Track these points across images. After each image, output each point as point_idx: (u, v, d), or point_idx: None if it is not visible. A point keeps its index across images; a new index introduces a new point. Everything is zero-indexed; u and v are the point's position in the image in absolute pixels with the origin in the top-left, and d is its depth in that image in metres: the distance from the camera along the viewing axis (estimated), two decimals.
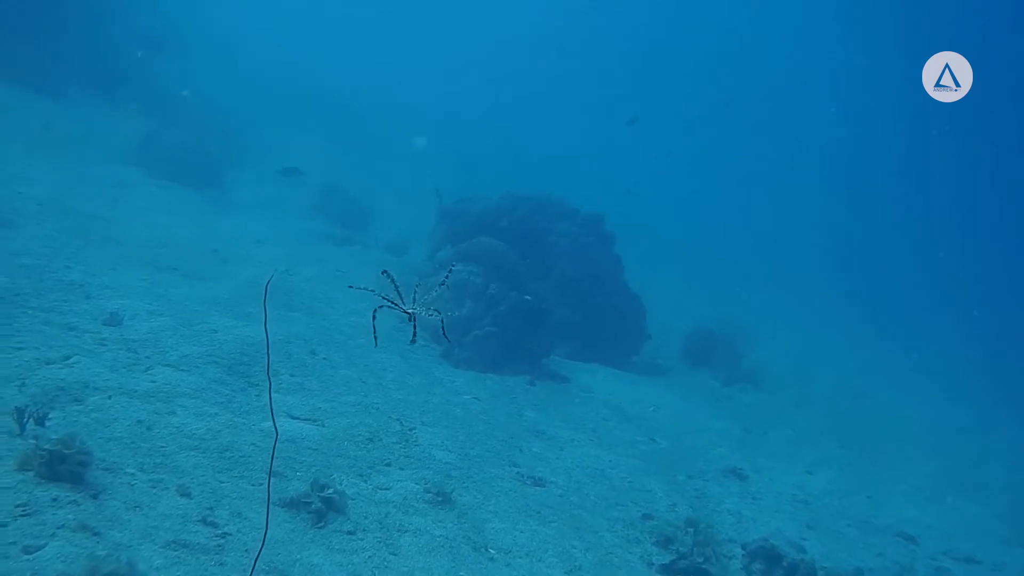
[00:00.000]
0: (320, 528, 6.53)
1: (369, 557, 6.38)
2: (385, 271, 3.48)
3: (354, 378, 10.12)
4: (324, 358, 10.41)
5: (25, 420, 6.23)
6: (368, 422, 8.88)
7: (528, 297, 13.34)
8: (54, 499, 5.45)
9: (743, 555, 9.06)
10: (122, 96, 22.14)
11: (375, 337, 2.98)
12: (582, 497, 9.32)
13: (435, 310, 3.37)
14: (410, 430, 9.16)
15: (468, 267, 13.80)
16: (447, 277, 3.64)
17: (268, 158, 25.08)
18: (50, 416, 6.58)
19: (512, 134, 43.22)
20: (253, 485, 6.79)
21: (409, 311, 3.37)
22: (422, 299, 3.35)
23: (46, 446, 5.71)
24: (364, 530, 6.75)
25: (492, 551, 7.36)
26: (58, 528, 5.16)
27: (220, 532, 5.89)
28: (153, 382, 8.00)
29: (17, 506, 5.24)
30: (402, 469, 8.16)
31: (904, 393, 21.29)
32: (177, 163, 19.48)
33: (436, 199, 17.53)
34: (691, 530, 8.89)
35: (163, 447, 6.82)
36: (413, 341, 3.43)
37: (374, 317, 3.45)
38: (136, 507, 5.79)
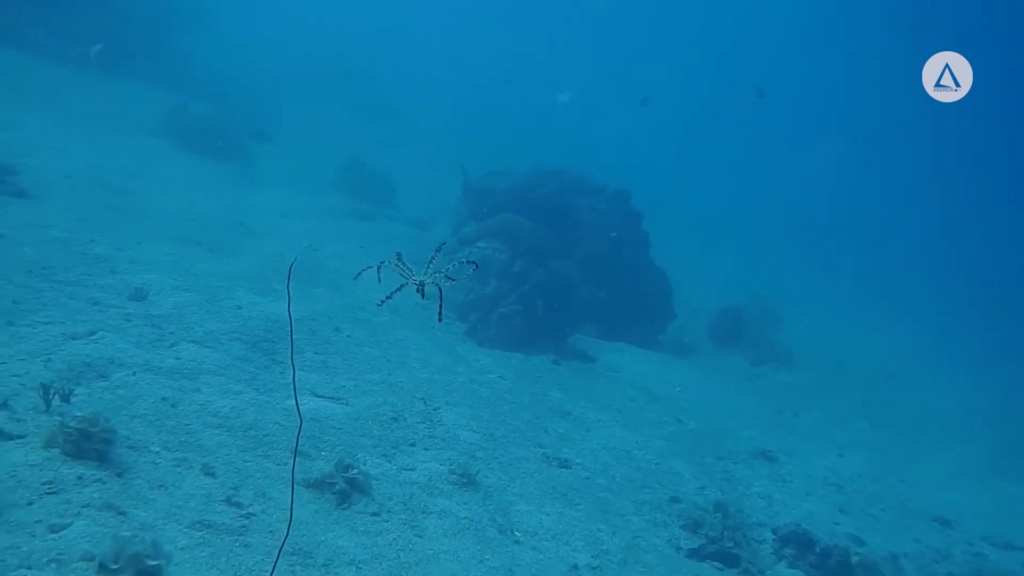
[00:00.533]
0: (345, 509, 6.46)
1: (394, 539, 6.30)
2: (398, 254, 3.40)
3: (378, 356, 10.04)
4: (348, 335, 10.34)
5: (51, 396, 6.20)
6: (392, 401, 8.80)
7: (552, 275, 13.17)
8: (79, 477, 5.42)
9: (774, 539, 8.91)
10: (150, 68, 22.12)
11: (379, 287, 2.76)
12: (608, 479, 9.20)
13: (447, 277, 3.27)
14: (434, 410, 9.07)
15: (492, 244, 13.63)
16: (466, 262, 3.47)
17: (293, 132, 25.04)
18: (75, 392, 6.55)
19: (537, 110, 42.71)
20: (277, 465, 6.73)
21: (419, 280, 3.29)
22: (436, 270, 3.24)
23: (71, 424, 5.68)
24: (389, 511, 6.68)
25: (518, 533, 7.27)
26: (83, 507, 5.13)
27: (244, 512, 5.84)
28: (178, 359, 7.96)
29: (43, 484, 5.21)
30: (427, 449, 8.07)
31: (936, 374, 20.87)
32: (203, 136, 19.45)
33: (461, 174, 17.31)
34: (720, 514, 8.74)
35: (188, 425, 6.78)
36: (422, 296, 3.31)
37: (378, 270, 3.36)
38: (161, 486, 5.75)
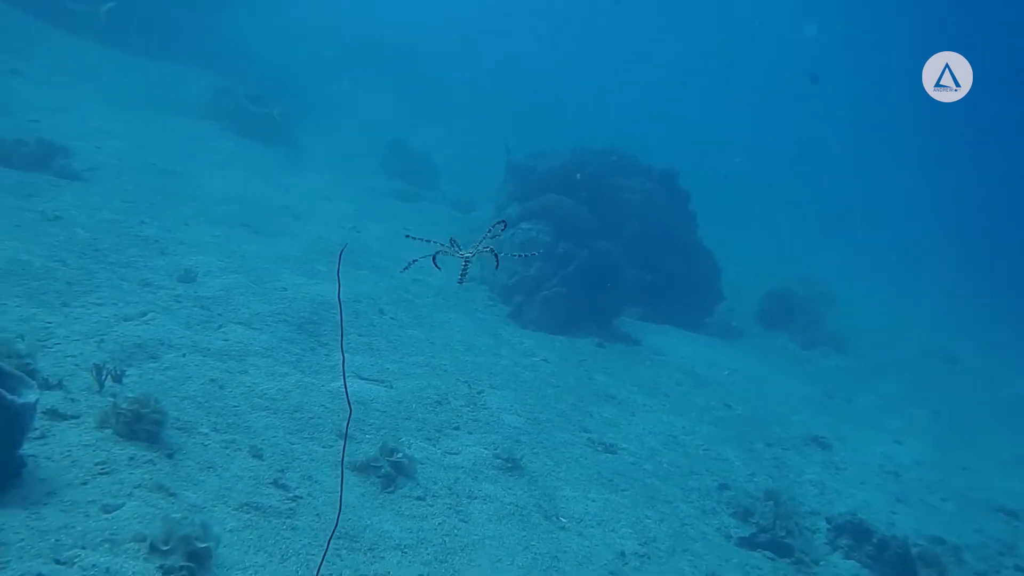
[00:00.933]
0: (390, 493, 6.45)
1: (439, 524, 6.27)
2: (452, 238, 3.30)
3: (422, 338, 10.02)
4: (392, 318, 10.33)
5: (103, 377, 6.29)
6: (436, 384, 8.77)
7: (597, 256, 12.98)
8: (131, 458, 5.48)
9: (828, 529, 8.69)
10: (195, 50, 22.35)
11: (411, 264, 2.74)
12: (655, 465, 9.06)
13: (490, 249, 3.22)
14: (478, 393, 9.01)
15: (536, 225, 13.47)
16: (519, 256, 3.36)
17: (337, 114, 25.14)
18: (127, 373, 6.64)
19: (583, 89, 42.20)
20: (323, 447, 6.74)
21: (466, 255, 3.24)
22: (480, 246, 3.20)
23: (123, 405, 5.75)
24: (434, 496, 6.65)
25: (563, 519, 7.19)
26: (135, 487, 5.18)
27: (291, 495, 5.86)
28: (225, 340, 8.03)
29: (96, 464, 5.28)
30: (471, 433, 8.03)
31: (998, 359, 20.13)
32: (248, 118, 19.61)
33: (504, 154, 17.15)
34: (772, 502, 8.55)
35: (235, 407, 6.83)
36: (461, 281, 3.30)
37: (434, 260, 3.26)
38: (210, 468, 5.80)
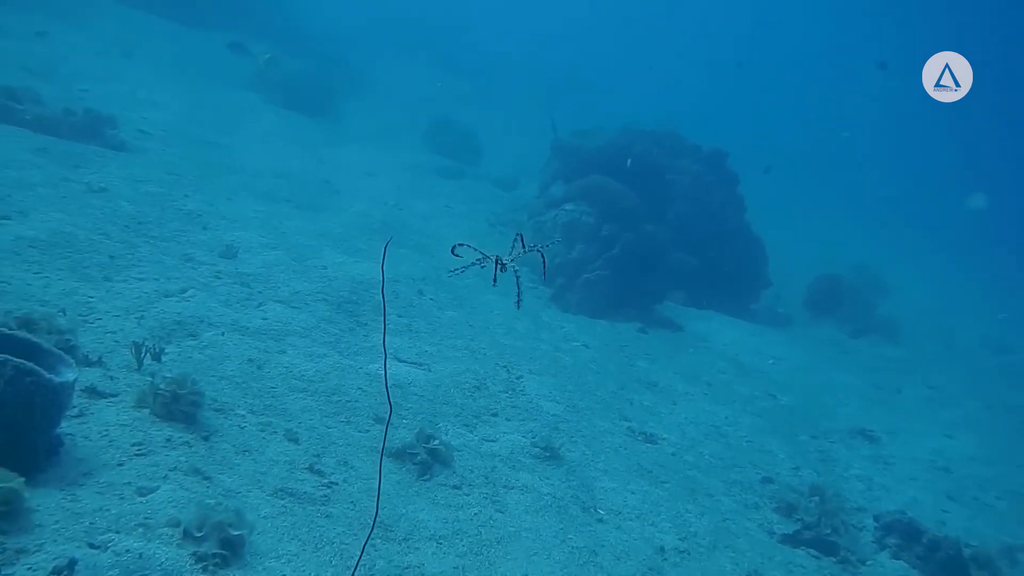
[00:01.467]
0: (426, 481, 6.34)
1: (475, 514, 6.16)
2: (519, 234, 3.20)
3: (461, 321, 9.88)
4: (431, 299, 10.21)
5: (143, 355, 6.27)
6: (475, 368, 8.64)
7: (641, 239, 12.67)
8: (168, 439, 5.45)
9: (876, 527, 8.39)
10: (241, 21, 22.34)
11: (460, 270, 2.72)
12: (696, 456, 8.83)
13: (538, 249, 3.16)
14: (517, 378, 8.86)
15: (580, 207, 13.20)
16: (548, 245, 3.32)
17: (381, 88, 25.01)
18: (166, 351, 6.62)
19: (632, 68, 41.31)
20: (360, 432, 6.66)
21: (504, 262, 3.19)
22: (518, 254, 3.14)
23: (161, 385, 5.72)
24: (470, 485, 6.53)
25: (601, 512, 7.03)
26: (171, 470, 5.15)
27: (327, 481, 5.78)
28: (264, 319, 7.99)
29: (133, 445, 5.25)
30: (508, 420, 7.88)
31: None
32: (293, 91, 19.61)
33: (551, 132, 16.83)
34: (817, 497, 8.27)
35: (272, 388, 6.77)
36: (495, 283, 3.21)
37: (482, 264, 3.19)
38: (245, 451, 5.75)
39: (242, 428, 6.00)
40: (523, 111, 27.27)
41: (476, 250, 3.13)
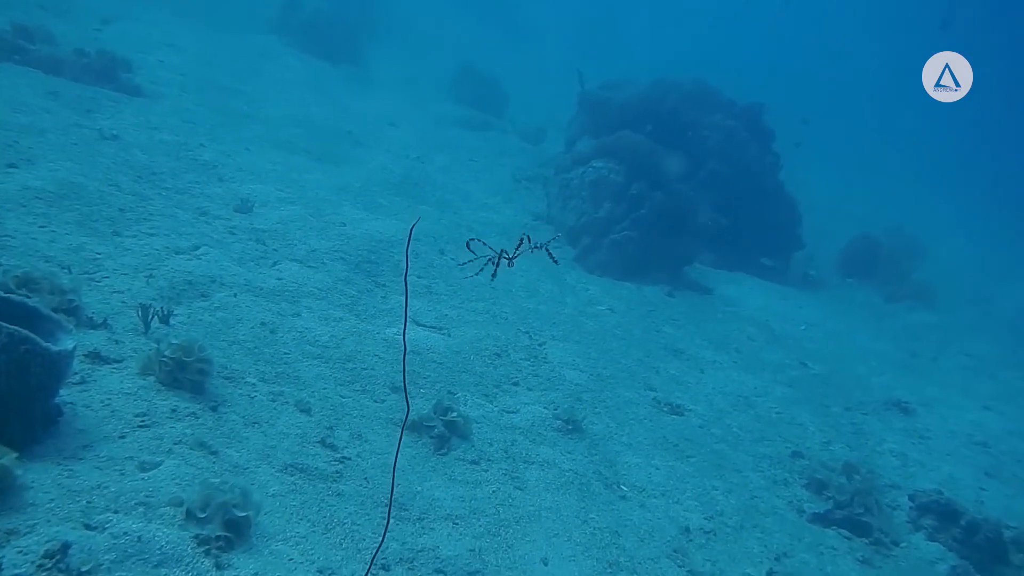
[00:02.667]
0: (443, 455, 6.08)
1: (493, 492, 5.90)
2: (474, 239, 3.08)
3: (483, 283, 9.53)
4: (453, 258, 9.86)
5: (150, 318, 6.01)
6: (496, 334, 8.31)
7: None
8: (173, 410, 5.21)
9: (911, 508, 8.04)
10: None
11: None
12: (724, 429, 8.50)
13: (544, 247, 3.10)
14: (539, 345, 8.53)
15: (608, 163, 12.66)
16: (551, 240, 3.19)
17: (406, 33, 24.26)
18: (175, 313, 6.37)
19: (667, 16, 39.88)
20: (375, 402, 6.40)
21: (510, 258, 3.11)
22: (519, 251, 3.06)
23: (167, 352, 5.46)
24: (488, 460, 6.26)
25: (625, 488, 6.75)
26: (175, 444, 4.91)
27: (339, 456, 5.54)
28: (279, 279, 7.70)
29: (136, 415, 5.02)
30: (530, 390, 7.58)
31: None
32: (316, 34, 19.03)
33: (578, 83, 16.17)
34: (849, 475, 7.93)
35: (286, 354, 6.51)
36: (493, 276, 3.15)
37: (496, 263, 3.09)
38: (255, 423, 5.50)
39: (252, 398, 5.75)
40: (554, 58, 26.42)
41: (485, 245, 3.06)
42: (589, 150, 13.20)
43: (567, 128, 16.31)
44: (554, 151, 16.42)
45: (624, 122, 13.75)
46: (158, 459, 4.72)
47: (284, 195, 9.97)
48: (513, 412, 7.10)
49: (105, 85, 11.25)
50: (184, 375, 5.45)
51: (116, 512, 4.19)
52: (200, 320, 6.48)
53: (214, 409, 5.42)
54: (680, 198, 12.56)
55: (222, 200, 9.12)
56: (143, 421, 5.00)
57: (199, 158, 10.15)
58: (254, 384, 5.92)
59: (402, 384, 6.72)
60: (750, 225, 14.51)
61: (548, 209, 13.08)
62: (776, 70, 32.72)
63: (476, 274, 3.07)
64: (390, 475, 5.57)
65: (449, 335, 7.99)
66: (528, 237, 3.04)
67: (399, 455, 5.81)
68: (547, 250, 3.09)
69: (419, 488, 5.60)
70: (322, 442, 5.59)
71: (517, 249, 3.05)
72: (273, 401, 5.82)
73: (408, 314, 8.13)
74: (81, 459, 4.49)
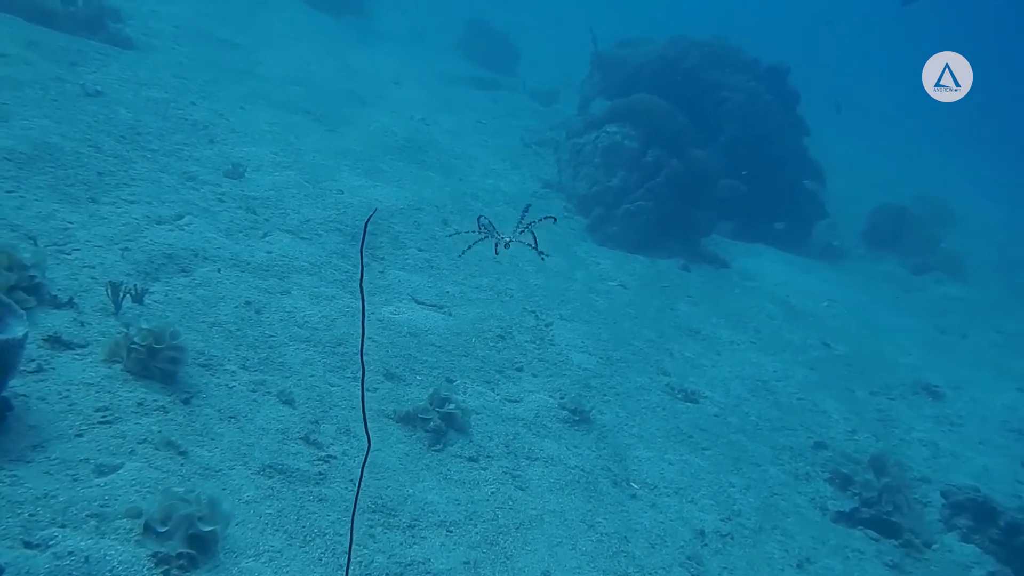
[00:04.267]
0: (438, 451, 5.59)
1: (492, 493, 5.41)
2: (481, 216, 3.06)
3: (487, 256, 8.95)
4: (457, 229, 9.26)
5: (121, 297, 5.49)
6: (500, 314, 7.77)
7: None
8: (140, 403, 4.72)
9: (943, 505, 7.52)
10: None
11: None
12: (742, 418, 7.98)
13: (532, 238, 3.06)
14: (546, 326, 7.99)
15: (623, 128, 11.96)
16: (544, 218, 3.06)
17: None
18: (151, 291, 5.86)
19: None
20: (367, 391, 5.90)
21: (507, 239, 3.09)
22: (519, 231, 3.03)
23: (136, 338, 4.95)
24: (488, 456, 5.77)
25: (635, 485, 6.27)
26: (139, 443, 4.43)
27: (323, 455, 5.05)
28: (269, 252, 7.16)
29: (97, 410, 4.53)
30: (535, 376, 7.06)
31: None
32: None
33: (591, 43, 15.32)
34: (877, 470, 7.41)
35: (271, 337, 6.00)
36: (496, 253, 3.12)
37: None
38: (231, 417, 5.01)
39: (230, 388, 5.25)
40: (569, 11, 25.36)
41: (489, 222, 3.02)
42: (602, 113, 12.48)
43: (580, 88, 15.54)
44: (567, 112, 15.70)
45: (640, 83, 13.01)
46: (118, 461, 4.25)
47: (279, 159, 9.39)
48: (516, 401, 6.59)
49: (93, 36, 10.61)
50: (154, 363, 4.95)
51: (63, 527, 3.73)
52: (179, 299, 5.96)
53: (186, 402, 4.93)
54: (698, 165, 11.87)
55: (212, 164, 8.54)
56: (104, 416, 4.51)
57: (189, 117, 9.55)
58: (234, 372, 5.42)
59: (395, 371, 6.21)
60: (772, 192, 13.80)
61: (559, 176, 12.43)
62: (795, 32, 31.42)
63: (464, 252, 3.06)
64: (379, 477, 5.09)
65: (450, 314, 7.46)
66: (527, 207, 2.99)
67: (390, 452, 5.32)
68: (533, 234, 3.02)
69: (411, 490, 5.11)
70: (305, 439, 5.10)
71: (519, 225, 2.98)
72: (254, 391, 5.32)
73: (407, 291, 7.59)
74: (29, 462, 4.01)
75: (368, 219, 2.92)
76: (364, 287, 7.34)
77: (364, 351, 6.30)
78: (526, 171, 12.77)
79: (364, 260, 7.80)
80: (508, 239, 3.05)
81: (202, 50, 12.36)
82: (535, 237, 3.04)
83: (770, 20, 32.01)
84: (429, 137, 12.37)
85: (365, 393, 5.85)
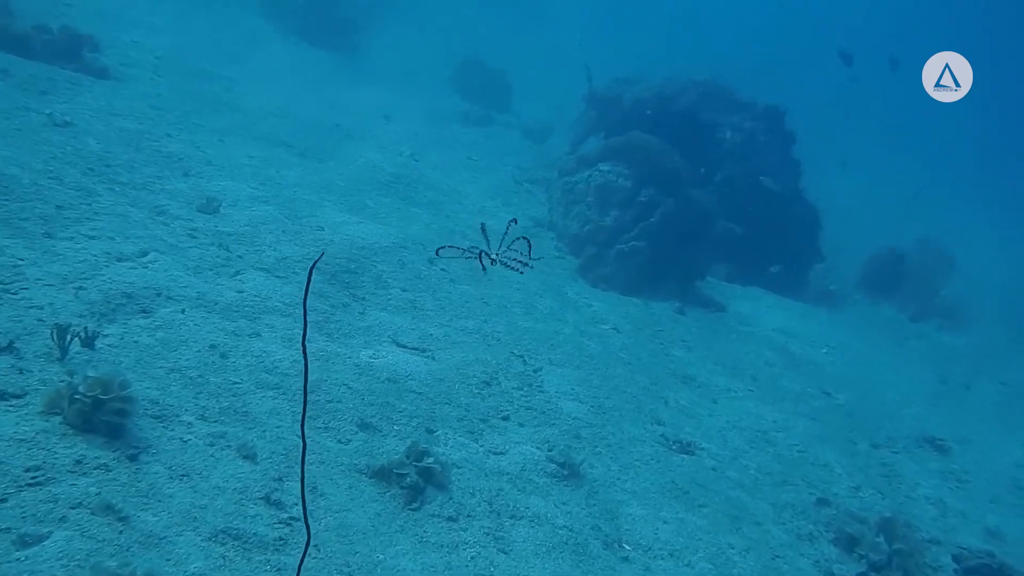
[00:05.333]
0: (414, 510, 5.10)
1: (472, 557, 4.92)
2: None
3: (475, 297, 8.54)
4: (442, 269, 8.87)
5: (68, 341, 5.03)
6: (486, 358, 7.32)
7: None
8: (78, 461, 4.24)
9: (955, 570, 7.05)
10: None
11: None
12: (740, 472, 7.52)
13: (518, 261, 3.02)
14: (535, 371, 7.54)
15: (617, 167, 11.65)
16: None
17: (409, 20, 23.17)
18: (105, 334, 5.40)
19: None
20: (339, 443, 5.43)
21: (493, 258, 3.07)
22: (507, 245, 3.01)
23: (81, 388, 4.48)
24: (469, 516, 5.28)
25: (627, 547, 5.78)
26: (72, 507, 3.94)
27: (285, 517, 4.55)
28: (240, 292, 6.72)
29: (27, 470, 4.05)
30: (521, 426, 6.59)
31: None
32: (311, 17, 18.01)
33: (585, 81, 15.13)
34: (886, 533, 6.95)
35: (235, 384, 5.53)
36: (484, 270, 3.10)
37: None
38: (184, 475, 4.52)
39: (185, 442, 4.77)
40: (564, 49, 25.28)
41: (462, 250, 3.03)
42: (596, 151, 12.19)
43: (574, 126, 15.31)
44: (560, 150, 15.41)
45: (635, 121, 12.75)
46: (45, 530, 3.76)
47: (257, 193, 9.01)
48: (501, 453, 6.12)
49: (67, 65, 10.30)
50: (99, 415, 4.48)
51: None
52: (135, 342, 5.50)
53: (133, 458, 4.44)
54: (694, 206, 11.56)
55: (184, 198, 8.14)
56: (35, 477, 4.03)
57: (164, 149, 9.18)
58: (190, 424, 4.94)
59: (371, 421, 5.74)
60: (767, 235, 13.49)
61: (550, 215, 12.10)
62: (793, 69, 31.52)
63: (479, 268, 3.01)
64: (346, 541, 4.59)
65: (433, 358, 7.00)
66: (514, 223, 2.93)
67: (360, 512, 4.82)
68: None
69: (381, 556, 4.62)
70: (266, 499, 4.61)
71: (504, 238, 2.94)
72: (211, 445, 4.84)
73: (388, 334, 7.14)
74: None
75: (315, 261, 2.54)
76: (341, 330, 6.89)
77: (338, 400, 5.84)
78: (517, 209, 12.43)
79: (343, 300, 7.36)
80: (494, 255, 3.03)
81: (183, 81, 12.06)
82: (520, 252, 2.99)
83: (794, 64, 32.02)
84: (417, 173, 12.04)
85: (334, 447, 5.38)
